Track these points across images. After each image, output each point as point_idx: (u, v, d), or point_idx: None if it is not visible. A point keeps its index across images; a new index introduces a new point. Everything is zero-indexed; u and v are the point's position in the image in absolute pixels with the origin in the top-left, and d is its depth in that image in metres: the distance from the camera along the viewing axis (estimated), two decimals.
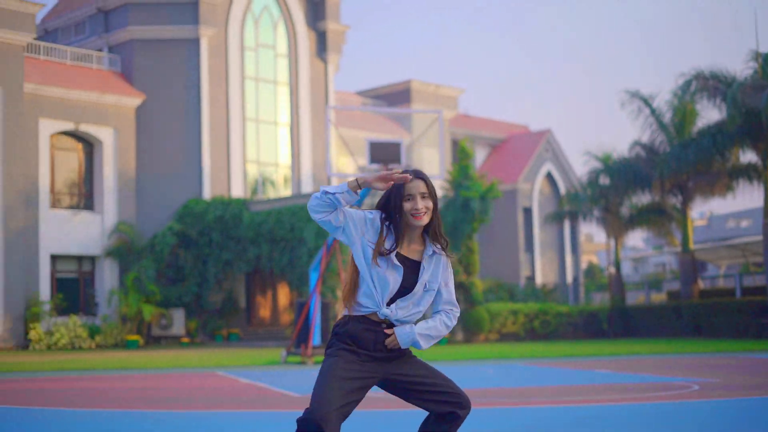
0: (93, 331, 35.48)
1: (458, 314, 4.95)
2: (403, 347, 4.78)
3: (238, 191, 40.20)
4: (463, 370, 19.14)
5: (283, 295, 40.48)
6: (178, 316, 37.62)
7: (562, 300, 47.73)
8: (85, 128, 37.82)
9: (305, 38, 43.51)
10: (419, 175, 4.83)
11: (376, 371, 4.80)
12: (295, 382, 16.42)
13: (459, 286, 37.90)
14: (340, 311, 26.57)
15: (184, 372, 19.86)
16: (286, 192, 42.24)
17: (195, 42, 39.81)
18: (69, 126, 37.42)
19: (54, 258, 37.06)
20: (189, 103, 39.62)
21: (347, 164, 45.09)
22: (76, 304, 37.50)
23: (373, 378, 4.81)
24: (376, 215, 4.81)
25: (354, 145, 40.87)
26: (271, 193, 41.74)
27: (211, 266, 37.74)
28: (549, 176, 53.55)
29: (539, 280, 51.42)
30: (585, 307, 42.37)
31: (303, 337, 22.33)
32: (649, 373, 17.05)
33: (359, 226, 4.74)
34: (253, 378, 17.02)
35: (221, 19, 40.59)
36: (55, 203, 37.40)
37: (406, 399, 4.90)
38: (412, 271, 4.79)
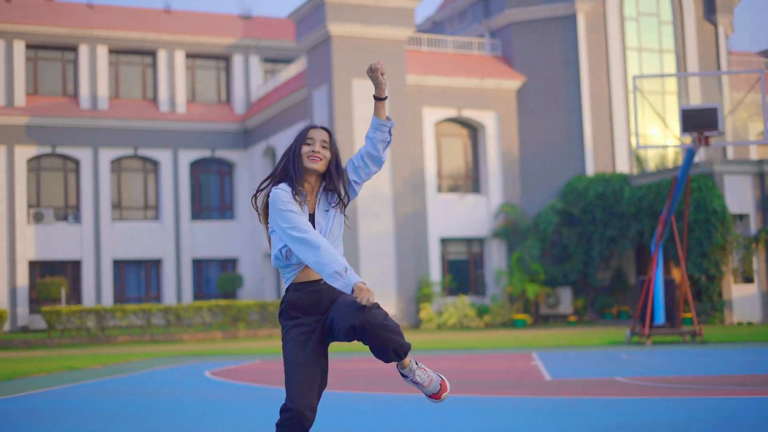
0: (481, 311, 36.57)
1: None
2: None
3: (623, 166, 39.40)
4: None
5: (676, 271, 39.07)
6: (565, 295, 37.71)
7: None
8: (468, 113, 38.94)
9: (691, 1, 41.58)
10: (324, 127, 5.30)
11: (322, 327, 5.09)
12: (587, 363, 15.94)
13: None
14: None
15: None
16: (676, 164, 40.70)
17: (572, 18, 39.50)
18: (452, 113, 38.73)
19: (444, 241, 38.59)
20: (568, 80, 39.43)
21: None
22: (465, 285, 38.83)
23: (323, 336, 5.09)
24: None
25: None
26: (659, 166, 40.42)
27: (596, 243, 37.38)
28: None
29: None
30: None
31: (644, 316, 21.59)
32: None
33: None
34: (568, 360, 16.56)
35: None
36: (441, 188, 38.90)
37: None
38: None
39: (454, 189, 39.31)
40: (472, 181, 39.66)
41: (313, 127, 5.31)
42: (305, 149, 5.20)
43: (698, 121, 19.80)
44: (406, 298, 36.39)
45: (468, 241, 39.30)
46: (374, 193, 36.19)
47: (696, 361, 16.47)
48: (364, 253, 35.87)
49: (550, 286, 37.77)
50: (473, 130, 39.81)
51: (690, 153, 20.45)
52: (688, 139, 21.75)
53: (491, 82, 39.01)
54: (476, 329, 35.20)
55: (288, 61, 47.02)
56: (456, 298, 36.92)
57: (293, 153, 5.24)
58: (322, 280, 5.08)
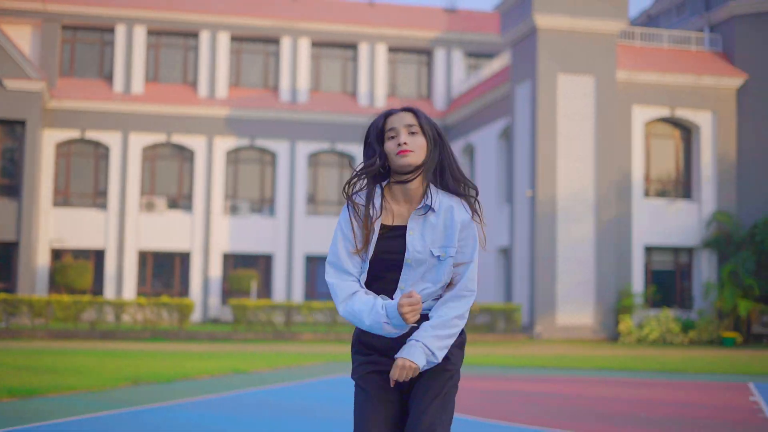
0: (686, 326, 33.82)
1: (473, 300, 3.70)
2: (420, 369, 3.68)
3: None
4: None
5: None
6: None
7: None
8: (682, 113, 36.20)
9: None
10: (408, 108, 3.92)
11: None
12: None
13: None
14: None
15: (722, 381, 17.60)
16: None
17: None
18: (664, 112, 36.09)
19: (648, 249, 36.00)
20: None
21: None
22: (670, 297, 36.11)
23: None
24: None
25: None
26: None
27: None
28: None
29: None
30: None
31: None
32: None
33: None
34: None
35: None
36: (648, 192, 36.32)
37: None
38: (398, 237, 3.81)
39: (662, 194, 36.62)
40: (682, 186, 36.85)
41: (390, 113, 3.93)
42: (390, 145, 3.83)
43: None
44: (604, 309, 34.08)
45: (675, 250, 36.53)
46: (576, 196, 34.07)
47: None
48: (562, 259, 33.81)
49: (765, 303, 34.56)
50: (686, 131, 36.98)
51: None
52: None
53: (709, 80, 36.10)
54: (680, 345, 32.55)
55: (491, 55, 45.38)
56: (659, 311, 34.30)
57: (378, 153, 3.89)
58: None
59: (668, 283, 36.33)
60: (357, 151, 42.55)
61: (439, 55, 45.01)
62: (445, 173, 3.81)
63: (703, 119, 36.26)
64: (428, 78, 45.52)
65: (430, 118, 3.86)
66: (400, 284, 3.68)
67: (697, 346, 32.35)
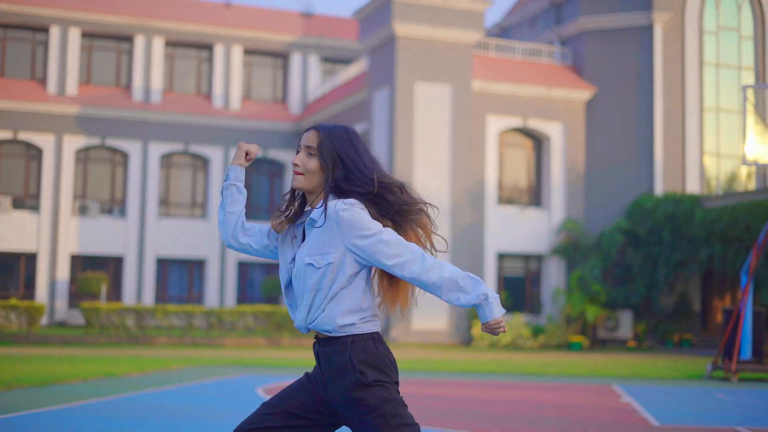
0: (536, 331, 34.78)
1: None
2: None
3: (693, 186, 37.43)
4: None
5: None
6: (625, 319, 35.81)
7: None
8: (533, 124, 37.23)
9: None
10: (316, 126, 3.83)
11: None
12: (683, 403, 14.24)
13: None
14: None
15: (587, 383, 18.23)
16: (750, 187, 38.70)
17: (648, 29, 37.63)
18: (517, 122, 37.05)
19: (500, 256, 36.88)
20: (640, 93, 37.54)
21: None
22: (521, 303, 37.07)
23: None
24: None
25: None
26: (734, 188, 38.40)
27: (662, 267, 35.38)
28: None
29: None
30: None
31: (730, 350, 19.72)
32: None
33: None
34: (643, 394, 14.75)
35: (677, 3, 37.99)
36: (501, 200, 37.20)
37: None
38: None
39: (514, 202, 37.58)
40: (533, 194, 37.91)
41: (308, 129, 3.88)
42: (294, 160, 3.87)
43: None
44: (458, 314, 34.73)
45: (526, 257, 37.54)
46: (432, 202, 34.46)
47: None
48: None
49: (611, 309, 35.88)
50: (538, 141, 38.07)
51: None
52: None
53: (559, 92, 37.26)
54: (530, 350, 33.43)
55: (347, 61, 45.61)
56: (511, 317, 35.16)
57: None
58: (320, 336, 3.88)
59: (519, 288, 37.28)
60: (212, 153, 42.07)
61: (295, 59, 44.95)
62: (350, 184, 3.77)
63: (553, 130, 37.38)
64: (284, 82, 45.38)
65: (338, 139, 3.78)
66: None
67: (547, 350, 33.28)
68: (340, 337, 3.69)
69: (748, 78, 39.19)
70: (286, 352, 27.86)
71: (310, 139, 3.76)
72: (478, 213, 35.78)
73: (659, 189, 36.89)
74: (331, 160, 3.72)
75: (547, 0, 40.54)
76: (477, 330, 33.88)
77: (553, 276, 36.98)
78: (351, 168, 3.73)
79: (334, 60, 46.11)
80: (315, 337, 3.78)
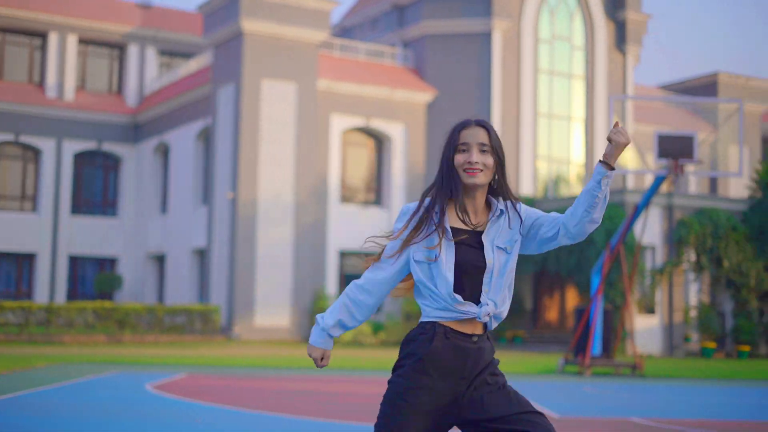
0: (377, 328, 35.37)
1: None
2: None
3: (527, 189, 38.88)
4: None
5: (572, 297, 38.78)
6: None
7: None
8: (376, 124, 37.82)
9: (603, 29, 41.49)
10: (480, 122, 3.90)
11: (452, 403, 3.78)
12: (560, 396, 14.99)
13: (765, 296, 34.83)
14: (627, 318, 24.54)
15: None
16: (578, 191, 40.47)
17: (487, 36, 38.85)
18: (360, 122, 37.54)
19: (342, 253, 37.31)
20: (480, 97, 38.72)
21: (632, 160, 42.55)
22: None
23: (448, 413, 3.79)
24: (412, 206, 4.02)
25: (650, 143, 38.47)
26: (564, 192, 40.10)
27: None
28: None
29: None
30: None
31: (582, 346, 20.73)
32: None
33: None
34: (535, 391, 15.22)
35: (515, 12, 39.37)
36: (344, 198, 37.64)
37: None
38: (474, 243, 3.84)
39: (356, 200, 38.08)
40: (375, 193, 38.51)
41: (465, 125, 3.93)
42: (459, 159, 3.88)
43: (674, 149, 19.03)
44: (300, 311, 34.93)
45: (366, 254, 38.01)
46: (276, 200, 34.66)
47: (670, 399, 15.59)
48: (261, 262, 34.29)
49: None
50: (380, 141, 38.69)
51: (658, 180, 19.72)
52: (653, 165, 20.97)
53: (401, 94, 37.98)
54: (371, 346, 33.98)
55: (187, 55, 45.05)
56: None
57: (447, 164, 3.93)
58: (475, 335, 3.78)
59: None
60: (44, 144, 40.80)
61: (132, 51, 44.08)
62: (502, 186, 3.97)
63: (395, 130, 38.07)
64: (120, 73, 44.43)
65: (498, 137, 3.97)
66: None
67: (388, 347, 33.89)
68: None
69: (579, 86, 40.99)
70: (130, 349, 27.33)
71: (483, 135, 3.87)
72: (321, 211, 36.08)
73: None
74: (500, 160, 3.89)
75: (390, 2, 41.22)
76: None
77: None
78: (503, 164, 3.95)
79: (172, 53, 45.46)
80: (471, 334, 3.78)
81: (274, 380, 17.13)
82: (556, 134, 40.46)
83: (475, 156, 3.84)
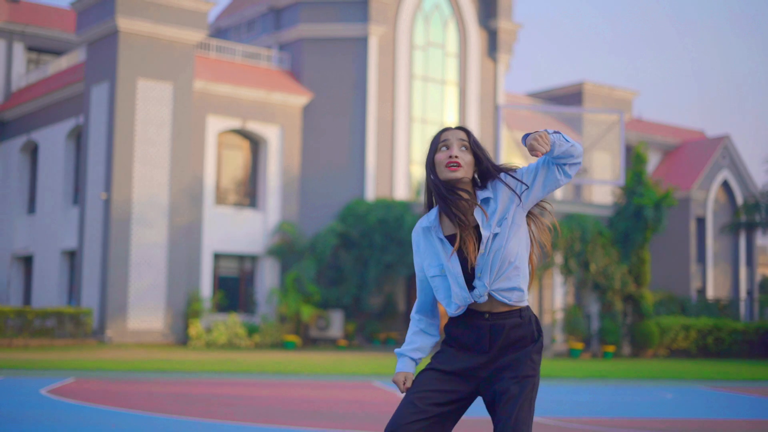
0: (251, 330, 35.35)
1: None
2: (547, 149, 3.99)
3: (401, 193, 39.46)
4: (635, 392, 17.76)
5: None
6: (337, 318, 37.14)
7: (734, 315, 45.04)
8: (252, 126, 37.78)
9: (476, 37, 42.42)
10: (460, 127, 4.26)
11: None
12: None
13: (628, 298, 36.25)
14: None
15: (339, 380, 19.16)
16: None
17: (363, 40, 39.27)
18: (236, 124, 37.45)
19: (217, 256, 37.15)
20: (355, 102, 39.12)
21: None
22: (236, 303, 37.52)
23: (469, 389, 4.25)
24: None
25: (524, 149, 39.52)
26: None
27: (372, 268, 37.06)
28: (725, 185, 50.73)
29: (710, 293, 48.82)
30: (762, 324, 39.70)
31: None
32: None
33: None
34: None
35: (391, 17, 39.91)
36: (219, 200, 37.49)
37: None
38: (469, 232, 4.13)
39: (231, 202, 37.96)
40: (250, 195, 38.46)
41: (446, 129, 4.27)
42: (440, 156, 4.17)
43: None
44: (174, 313, 34.63)
45: (240, 257, 38.02)
46: (151, 201, 34.27)
47: (541, 398, 16.11)
48: (134, 264, 33.86)
49: (324, 309, 37.09)
50: (255, 143, 38.66)
51: None
52: None
53: (277, 96, 38.03)
54: (246, 349, 33.91)
55: (56, 52, 44.05)
56: (227, 316, 35.52)
57: (429, 166, 4.24)
58: (486, 313, 4.14)
59: (234, 288, 37.70)
60: None
61: None
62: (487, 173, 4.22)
63: (271, 133, 38.11)
64: None
65: (477, 140, 4.26)
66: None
67: (262, 349, 33.91)
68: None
69: (452, 93, 41.82)
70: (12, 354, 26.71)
71: (462, 134, 4.19)
72: (196, 212, 35.85)
73: (371, 194, 38.55)
74: (480, 154, 4.19)
75: (266, 5, 41.22)
76: (194, 329, 33.96)
77: (268, 276, 37.70)
78: (490, 160, 4.25)
79: (40, 49, 44.38)
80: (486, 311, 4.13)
81: (167, 383, 17.06)
82: (430, 139, 41.04)
83: (455, 150, 4.13)
